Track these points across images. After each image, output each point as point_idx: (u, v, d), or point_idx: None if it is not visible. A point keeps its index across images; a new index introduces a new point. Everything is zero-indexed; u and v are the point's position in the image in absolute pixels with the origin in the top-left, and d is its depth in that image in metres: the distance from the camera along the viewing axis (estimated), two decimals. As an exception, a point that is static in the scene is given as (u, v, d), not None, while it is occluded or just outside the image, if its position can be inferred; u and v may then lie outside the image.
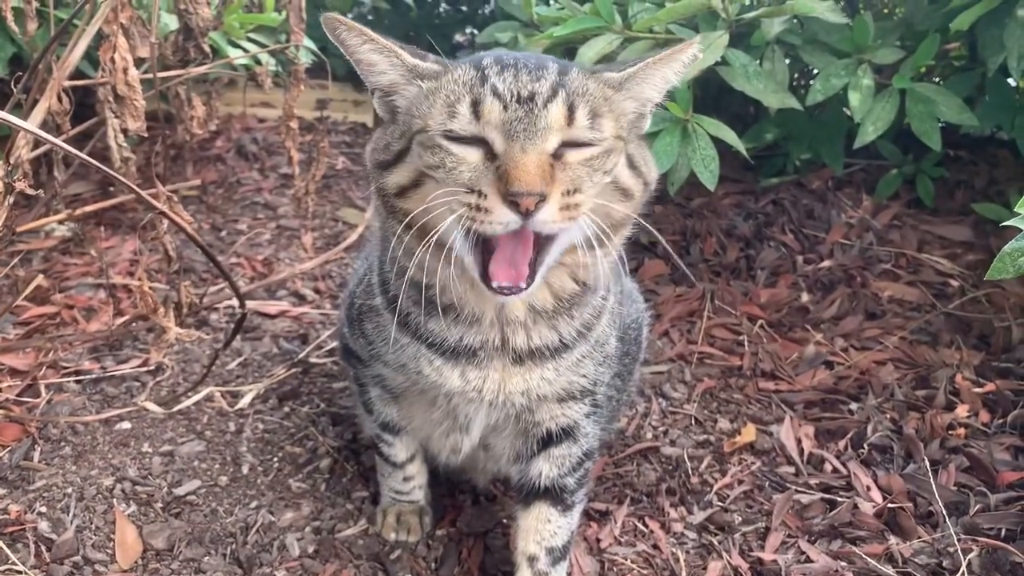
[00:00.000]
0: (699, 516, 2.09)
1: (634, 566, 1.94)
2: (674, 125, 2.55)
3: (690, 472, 2.23)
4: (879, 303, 2.90)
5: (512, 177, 1.24)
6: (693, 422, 2.43)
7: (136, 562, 1.83)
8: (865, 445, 2.26)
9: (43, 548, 1.84)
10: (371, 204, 1.74)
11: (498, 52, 1.46)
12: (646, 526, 2.06)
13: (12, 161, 1.93)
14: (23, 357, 2.40)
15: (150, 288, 2.07)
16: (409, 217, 1.37)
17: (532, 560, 1.75)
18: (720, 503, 2.13)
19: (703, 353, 2.73)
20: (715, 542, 2.01)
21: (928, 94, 2.73)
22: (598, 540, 2.01)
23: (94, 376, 2.40)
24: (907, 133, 3.29)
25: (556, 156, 1.30)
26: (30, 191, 1.81)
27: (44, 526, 1.90)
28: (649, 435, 2.38)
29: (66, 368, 2.40)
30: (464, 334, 1.54)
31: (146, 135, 2.36)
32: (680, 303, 3.00)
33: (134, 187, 1.82)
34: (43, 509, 1.95)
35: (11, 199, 1.87)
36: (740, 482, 2.19)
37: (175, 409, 2.29)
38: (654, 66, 1.43)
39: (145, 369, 2.45)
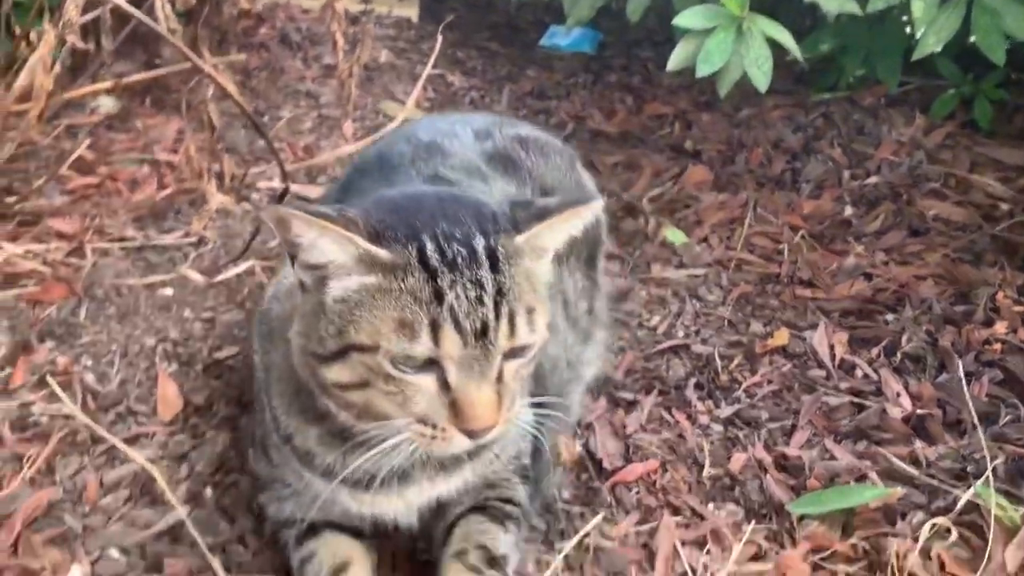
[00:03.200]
0: (726, 411, 2.11)
1: (659, 451, 1.97)
2: (729, 23, 2.49)
3: (720, 370, 2.24)
4: (924, 221, 2.85)
5: (469, 416, 1.24)
6: (726, 324, 2.43)
7: (177, 415, 1.90)
8: (898, 354, 2.25)
9: (90, 397, 1.91)
10: (256, 344, 1.63)
11: (423, 201, 1.36)
12: (672, 416, 2.09)
13: (62, 23, 1.94)
14: (70, 222, 2.44)
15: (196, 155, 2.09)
16: (351, 405, 1.33)
17: (460, 554, 1.52)
18: (748, 400, 2.15)
19: (741, 260, 2.72)
20: (740, 435, 2.03)
21: (996, 5, 2.63)
22: (624, 426, 2.04)
23: (138, 244, 2.44)
24: (968, 52, 3.19)
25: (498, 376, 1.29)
26: (80, 44, 1.82)
27: (90, 378, 1.97)
28: (680, 333, 2.39)
29: (110, 235, 2.44)
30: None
31: (192, 9, 2.35)
32: (722, 210, 2.97)
33: (182, 47, 1.82)
34: (89, 363, 2.02)
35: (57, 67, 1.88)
36: (769, 382, 2.20)
37: (216, 279, 2.33)
38: (560, 222, 1.36)
39: (187, 240, 2.49)
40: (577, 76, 4.03)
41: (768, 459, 1.96)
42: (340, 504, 1.53)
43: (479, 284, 1.24)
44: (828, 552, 1.70)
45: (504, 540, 1.56)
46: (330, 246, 1.24)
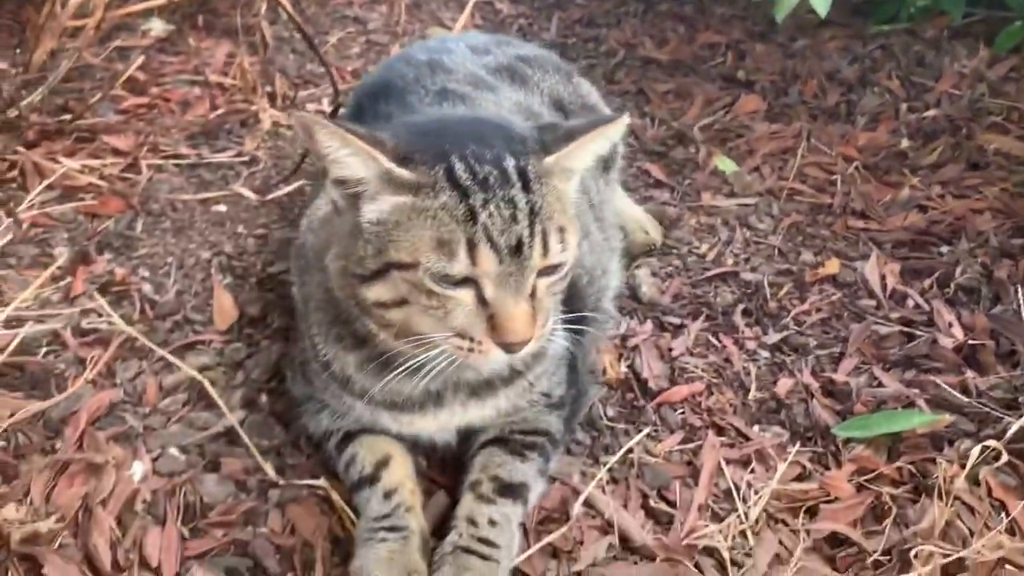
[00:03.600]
0: (773, 337, 2.10)
1: (704, 374, 1.98)
2: (790, -57, 2.41)
3: (768, 297, 2.22)
4: (983, 155, 2.77)
5: (506, 330, 1.28)
6: (776, 252, 2.41)
7: (232, 325, 1.94)
8: (952, 285, 2.21)
9: (147, 307, 1.96)
10: (294, 275, 1.74)
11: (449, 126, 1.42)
12: (719, 341, 2.09)
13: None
14: (124, 139, 2.48)
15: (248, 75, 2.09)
16: (390, 324, 1.36)
17: (474, 485, 1.55)
18: (796, 327, 2.14)
19: (793, 190, 2.68)
20: (787, 361, 2.03)
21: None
22: (670, 349, 2.04)
23: (191, 162, 2.47)
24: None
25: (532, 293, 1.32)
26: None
27: (147, 288, 2.02)
28: (729, 261, 2.37)
29: (164, 152, 2.48)
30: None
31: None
32: (774, 140, 2.92)
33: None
34: (146, 274, 2.06)
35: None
36: (818, 310, 2.19)
37: (268, 197, 2.36)
38: (588, 142, 1.38)
39: (240, 159, 2.52)
40: (627, 4, 3.95)
41: (815, 384, 1.95)
42: (379, 423, 1.58)
43: (512, 203, 1.27)
44: (873, 474, 1.70)
45: (521, 470, 1.59)
46: (353, 159, 1.27)
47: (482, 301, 1.28)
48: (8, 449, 1.59)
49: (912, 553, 1.51)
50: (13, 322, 1.86)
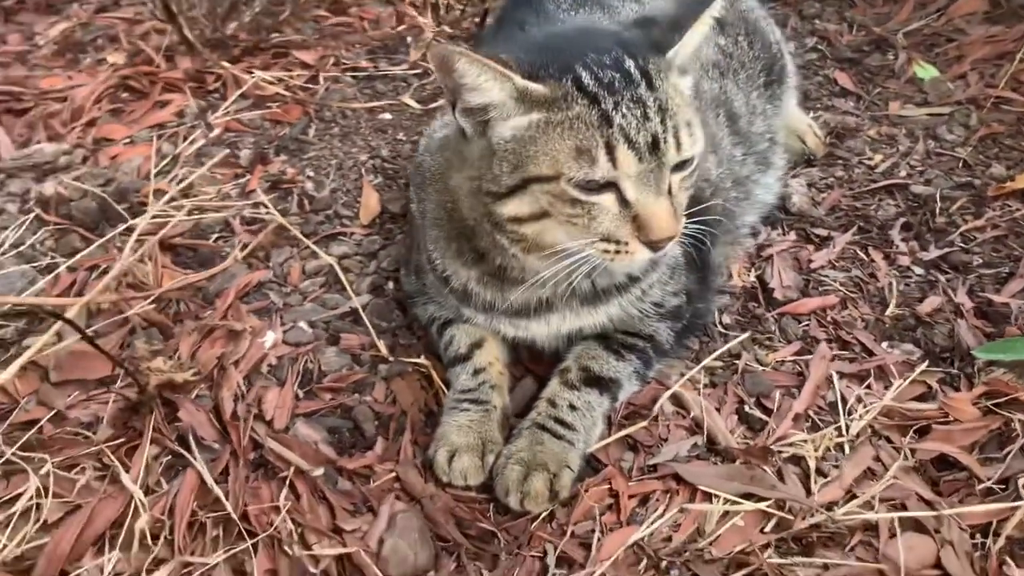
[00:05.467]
0: (933, 253, 1.91)
1: (841, 288, 1.85)
2: None
3: (937, 212, 2.02)
4: None
5: (652, 227, 1.30)
6: (960, 165, 2.17)
7: (374, 220, 2.09)
8: None
9: (305, 202, 2.15)
10: (412, 193, 1.82)
11: (564, 38, 1.44)
12: (868, 255, 1.94)
13: None
14: (313, 53, 2.69)
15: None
16: (523, 239, 1.38)
17: (563, 372, 1.61)
18: (962, 243, 1.93)
19: (1001, 98, 2.38)
20: (942, 279, 1.85)
21: None
22: (810, 261, 1.93)
23: (367, 74, 2.64)
24: None
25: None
26: None
27: (309, 186, 2.21)
28: (903, 173, 2.17)
29: (345, 65, 2.66)
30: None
31: None
32: (989, 44, 2.61)
33: None
34: (311, 173, 2.26)
35: None
36: (994, 226, 1.96)
37: (430, 107, 2.48)
38: (696, 31, 1.38)
39: (413, 72, 2.65)
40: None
41: (968, 304, 1.77)
42: (498, 330, 1.65)
43: (641, 102, 1.29)
44: (1005, 398, 1.53)
45: (615, 366, 1.60)
46: (490, 83, 1.30)
47: (624, 203, 1.31)
48: (168, 314, 1.84)
49: (1025, 483, 1.36)
50: (196, 211, 2.12)
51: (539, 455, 1.47)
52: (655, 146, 1.28)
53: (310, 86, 2.57)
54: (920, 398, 1.59)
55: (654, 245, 1.32)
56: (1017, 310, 1.72)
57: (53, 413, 1.64)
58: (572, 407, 1.54)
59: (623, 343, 1.64)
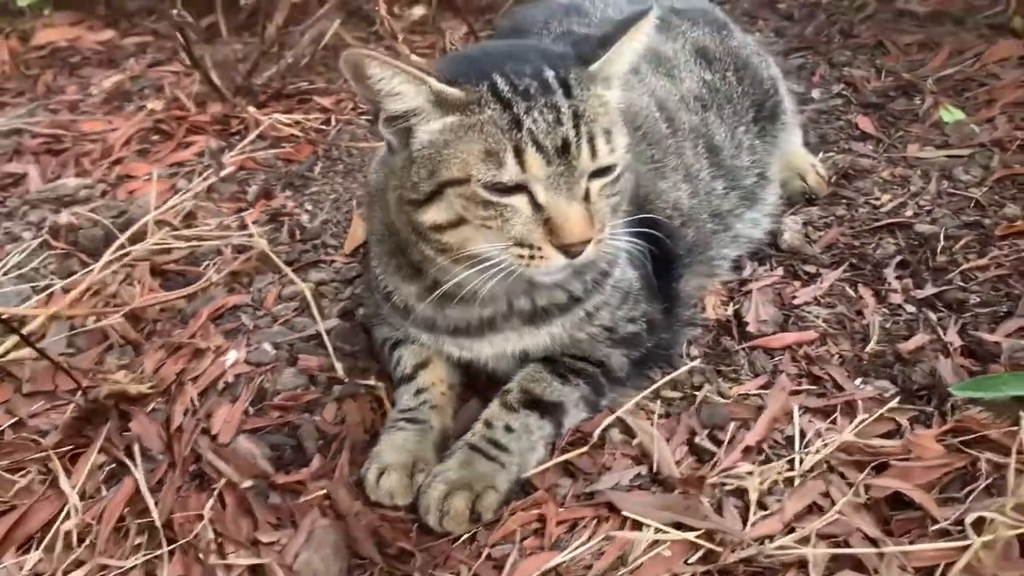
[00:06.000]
0: (928, 291, 1.80)
1: (823, 324, 1.75)
2: None
3: (939, 250, 1.90)
4: None
5: (564, 230, 1.29)
6: (972, 205, 2.05)
7: (357, 249, 2.11)
8: None
9: (296, 232, 2.20)
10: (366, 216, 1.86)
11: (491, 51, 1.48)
12: (856, 292, 1.83)
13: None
14: (331, 98, 2.79)
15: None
16: (446, 248, 1.38)
17: (505, 393, 1.55)
18: (961, 282, 1.81)
19: (1027, 142, 2.26)
20: (933, 318, 1.73)
21: None
22: (793, 297, 1.84)
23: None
24: None
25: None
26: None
27: (304, 218, 2.27)
28: (909, 212, 2.06)
29: (361, 109, 2.74)
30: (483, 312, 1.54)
31: None
32: (1022, 88, 2.49)
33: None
34: (308, 207, 2.31)
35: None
36: (998, 265, 1.83)
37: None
38: (624, 45, 1.39)
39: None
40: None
41: (956, 343, 1.65)
42: (443, 350, 1.63)
43: (555, 108, 1.30)
44: (973, 436, 1.40)
45: (559, 390, 1.54)
46: (406, 87, 1.32)
47: (536, 206, 1.30)
48: (143, 332, 1.89)
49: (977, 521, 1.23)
50: (194, 239, 2.18)
51: (465, 476, 1.42)
52: (565, 150, 1.28)
53: (324, 128, 2.65)
54: (887, 435, 1.47)
55: (567, 250, 1.30)
56: (1009, 350, 1.59)
57: (15, 420, 1.69)
58: (508, 429, 1.49)
59: (571, 367, 1.58)
